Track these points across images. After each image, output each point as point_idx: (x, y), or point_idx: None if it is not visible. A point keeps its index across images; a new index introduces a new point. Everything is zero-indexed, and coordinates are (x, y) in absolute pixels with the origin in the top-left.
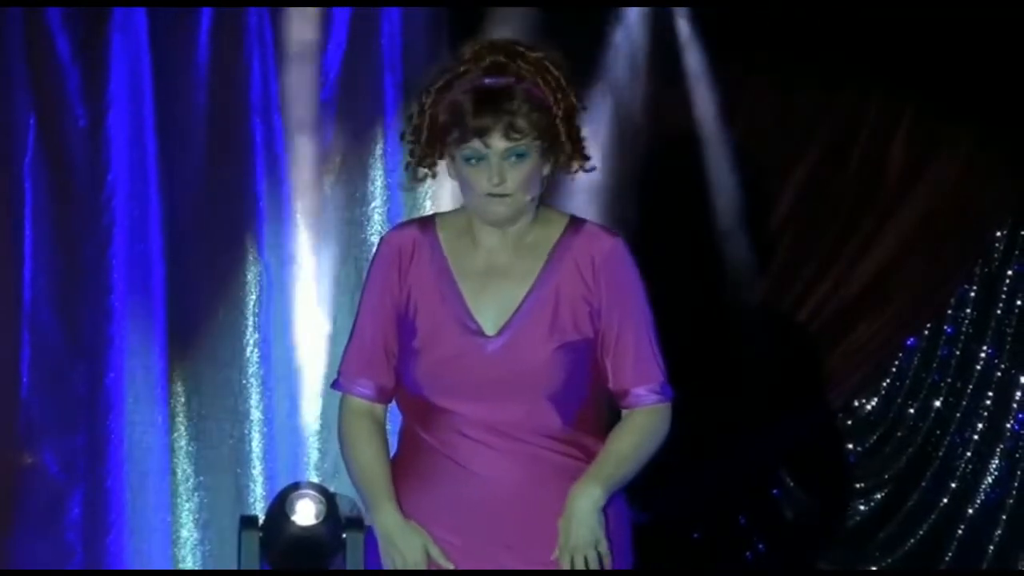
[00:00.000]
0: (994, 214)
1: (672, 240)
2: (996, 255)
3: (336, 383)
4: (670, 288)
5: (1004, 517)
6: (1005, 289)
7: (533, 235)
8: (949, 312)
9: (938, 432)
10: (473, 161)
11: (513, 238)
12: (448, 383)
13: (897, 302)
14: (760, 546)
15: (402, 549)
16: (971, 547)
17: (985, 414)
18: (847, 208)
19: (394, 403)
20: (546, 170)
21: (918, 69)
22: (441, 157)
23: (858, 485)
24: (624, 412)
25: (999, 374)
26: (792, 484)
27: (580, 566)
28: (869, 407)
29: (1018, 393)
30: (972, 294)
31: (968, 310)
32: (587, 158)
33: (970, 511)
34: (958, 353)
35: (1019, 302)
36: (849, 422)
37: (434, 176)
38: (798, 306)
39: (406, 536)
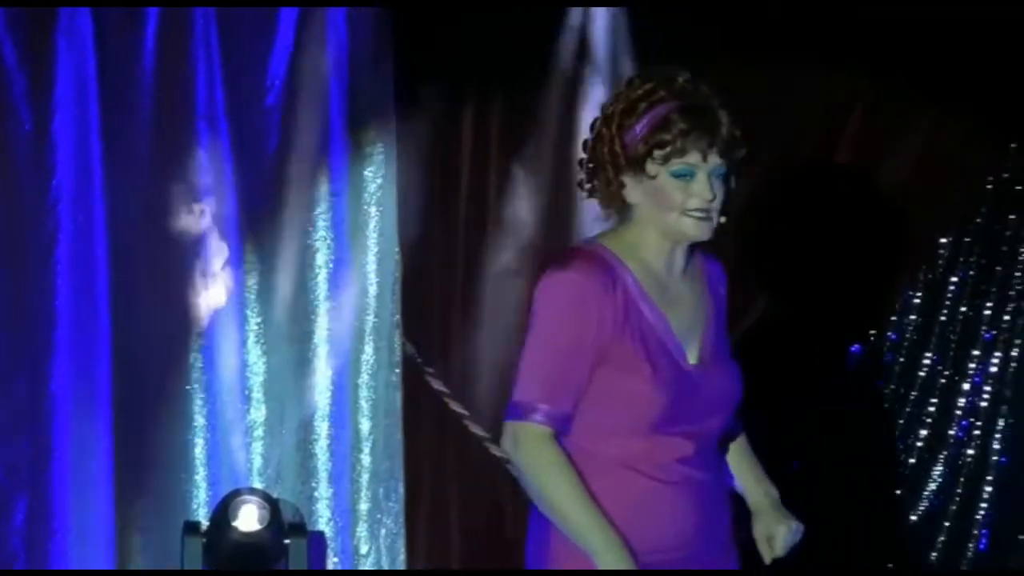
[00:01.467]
0: (940, 220)
1: None
2: (941, 262)
3: (526, 409)
4: None
5: (947, 524)
6: (949, 296)
7: (694, 267)
8: (893, 319)
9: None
10: (682, 178)
11: (679, 263)
12: (665, 410)
13: (840, 309)
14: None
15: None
16: (912, 553)
17: (928, 421)
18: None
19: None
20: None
21: (864, 76)
22: (626, 175)
23: None
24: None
25: (943, 381)
26: None
27: (781, 549)
28: None
29: (961, 400)
30: (916, 301)
31: (912, 316)
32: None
33: (913, 518)
34: (902, 360)
35: (963, 309)
36: None
37: (622, 198)
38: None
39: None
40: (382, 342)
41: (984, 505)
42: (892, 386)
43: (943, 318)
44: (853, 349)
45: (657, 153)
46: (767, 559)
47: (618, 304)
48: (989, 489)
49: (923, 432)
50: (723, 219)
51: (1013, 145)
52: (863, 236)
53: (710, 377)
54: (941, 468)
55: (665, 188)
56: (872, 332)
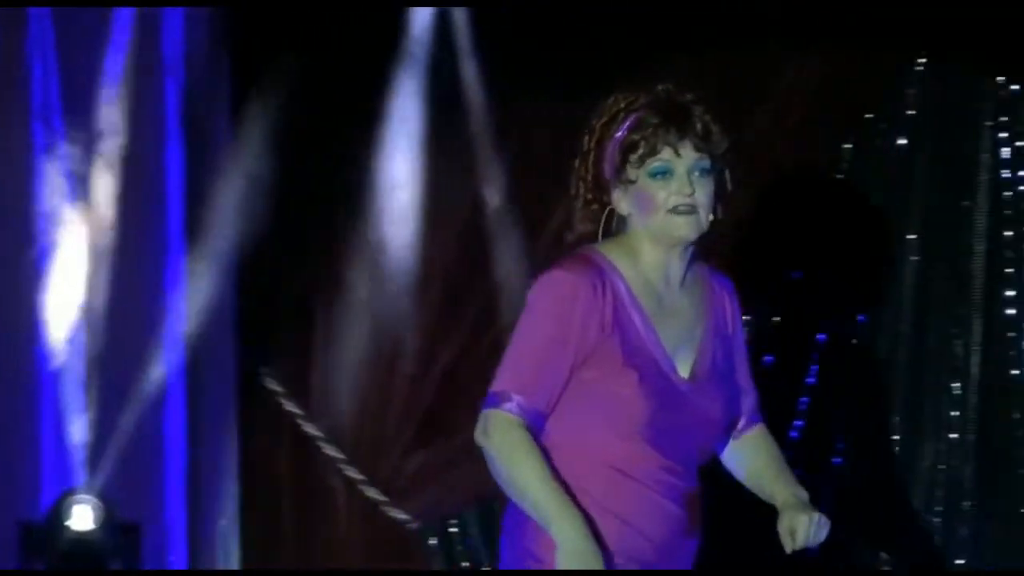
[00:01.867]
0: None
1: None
2: None
3: (500, 398)
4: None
5: None
6: None
7: (690, 271)
8: None
9: None
10: (660, 176)
11: (676, 274)
12: (651, 421)
13: None
14: None
15: (581, 554)
16: None
17: None
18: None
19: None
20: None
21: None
22: (614, 186)
23: None
24: (736, 441)
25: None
26: None
27: (808, 538)
28: None
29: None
30: None
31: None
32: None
33: None
34: None
35: None
36: None
37: (609, 207)
38: None
39: (597, 560)
40: (220, 342)
41: None
42: None
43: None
44: None
45: (633, 156)
46: (788, 549)
47: (607, 308)
48: None
49: None
50: (711, 216)
51: None
52: None
53: (700, 393)
54: None
55: (646, 190)
56: None
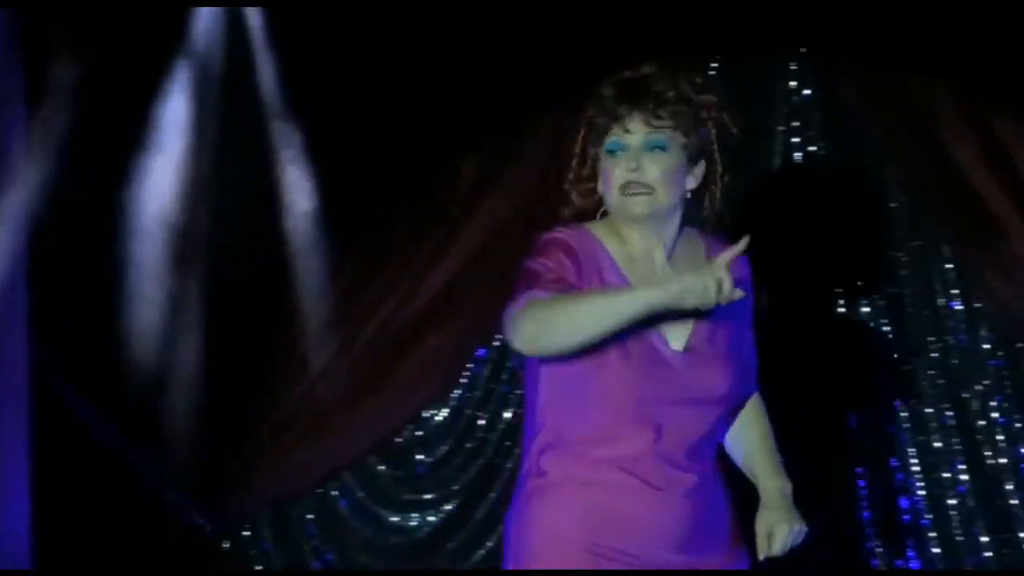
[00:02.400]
0: (563, 224)
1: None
2: None
3: (518, 300)
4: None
5: None
6: None
7: (682, 250)
8: None
9: (508, 443)
10: (613, 153)
11: (661, 250)
12: (640, 397)
13: (467, 312)
14: (328, 556)
15: (694, 278)
16: None
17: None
18: (417, 220)
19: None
20: (691, 181)
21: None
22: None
23: (427, 496)
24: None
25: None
26: (361, 494)
27: (783, 549)
28: (439, 418)
29: None
30: None
31: None
32: (719, 197)
33: None
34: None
35: None
36: (419, 433)
37: (596, 192)
38: (367, 319)
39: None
40: (10, 338)
41: None
42: (518, 391)
43: None
44: (480, 353)
45: (593, 134)
46: (760, 555)
47: (589, 268)
48: None
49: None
50: (669, 198)
51: None
52: (487, 241)
53: (697, 366)
54: None
55: (606, 167)
56: (498, 336)
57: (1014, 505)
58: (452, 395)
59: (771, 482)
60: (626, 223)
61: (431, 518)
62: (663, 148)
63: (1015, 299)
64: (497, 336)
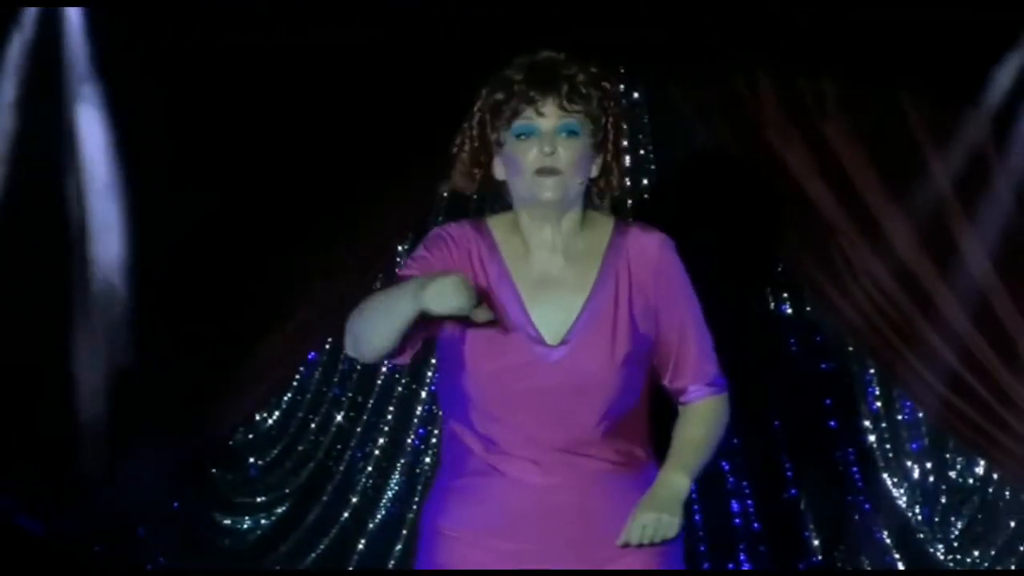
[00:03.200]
0: (395, 227)
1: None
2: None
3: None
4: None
5: (404, 532)
6: None
7: (583, 240)
8: None
9: (339, 446)
10: (524, 136)
11: (563, 243)
12: (510, 391)
13: (299, 316)
14: (161, 559)
15: (440, 280)
16: (372, 561)
17: (386, 429)
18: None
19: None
20: (594, 170)
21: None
22: (491, 154)
23: (260, 499)
24: (681, 407)
25: (400, 388)
26: (196, 498)
27: (637, 536)
28: (270, 421)
29: (419, 408)
30: None
31: None
32: (619, 186)
33: (371, 525)
34: (359, 367)
35: None
36: (251, 436)
37: (487, 177)
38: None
39: (438, 274)
40: None
41: None
42: (349, 394)
43: None
44: (310, 356)
45: (499, 119)
46: (619, 540)
47: (461, 259)
48: None
49: (381, 440)
50: (582, 179)
51: None
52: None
53: (572, 359)
54: (398, 476)
55: (513, 152)
56: (329, 340)
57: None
58: (283, 398)
59: (663, 474)
60: (529, 210)
61: (263, 520)
62: (576, 133)
63: (845, 304)
64: (328, 340)
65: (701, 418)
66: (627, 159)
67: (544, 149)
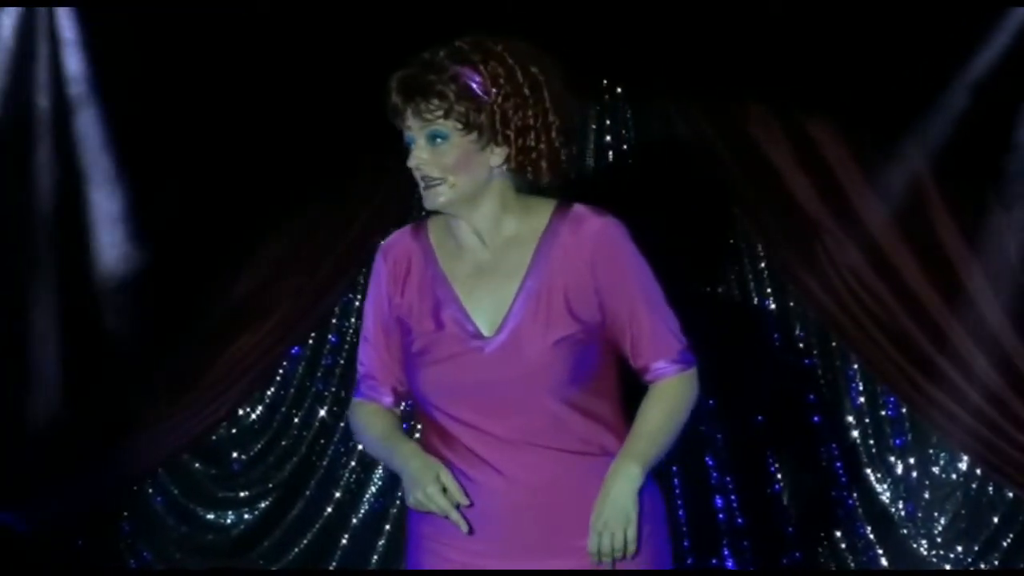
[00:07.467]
0: (374, 226)
1: None
2: None
3: (358, 391)
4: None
5: (388, 527)
6: None
7: (515, 228)
8: (334, 321)
9: (322, 441)
10: (410, 147)
11: (492, 233)
12: (450, 388)
13: (280, 311)
14: (145, 554)
15: (420, 478)
16: (355, 556)
17: None
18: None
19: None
20: (495, 159)
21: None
22: None
23: (243, 494)
24: (650, 387)
25: None
26: (177, 492)
27: (608, 545)
28: (254, 416)
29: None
30: (357, 303)
31: (353, 319)
32: (556, 163)
33: (354, 520)
34: (343, 362)
35: None
36: (234, 431)
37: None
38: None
39: (424, 470)
40: None
41: None
42: (332, 388)
43: None
44: (294, 351)
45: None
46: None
47: (398, 272)
48: None
49: None
50: (469, 184)
51: None
52: (299, 242)
53: (506, 348)
54: (381, 471)
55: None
56: (312, 334)
57: (831, 501)
58: (266, 393)
59: (616, 463)
60: (444, 214)
61: (247, 515)
62: (444, 137)
63: (828, 299)
64: (311, 335)
65: (661, 399)
66: (555, 131)
67: (421, 157)
